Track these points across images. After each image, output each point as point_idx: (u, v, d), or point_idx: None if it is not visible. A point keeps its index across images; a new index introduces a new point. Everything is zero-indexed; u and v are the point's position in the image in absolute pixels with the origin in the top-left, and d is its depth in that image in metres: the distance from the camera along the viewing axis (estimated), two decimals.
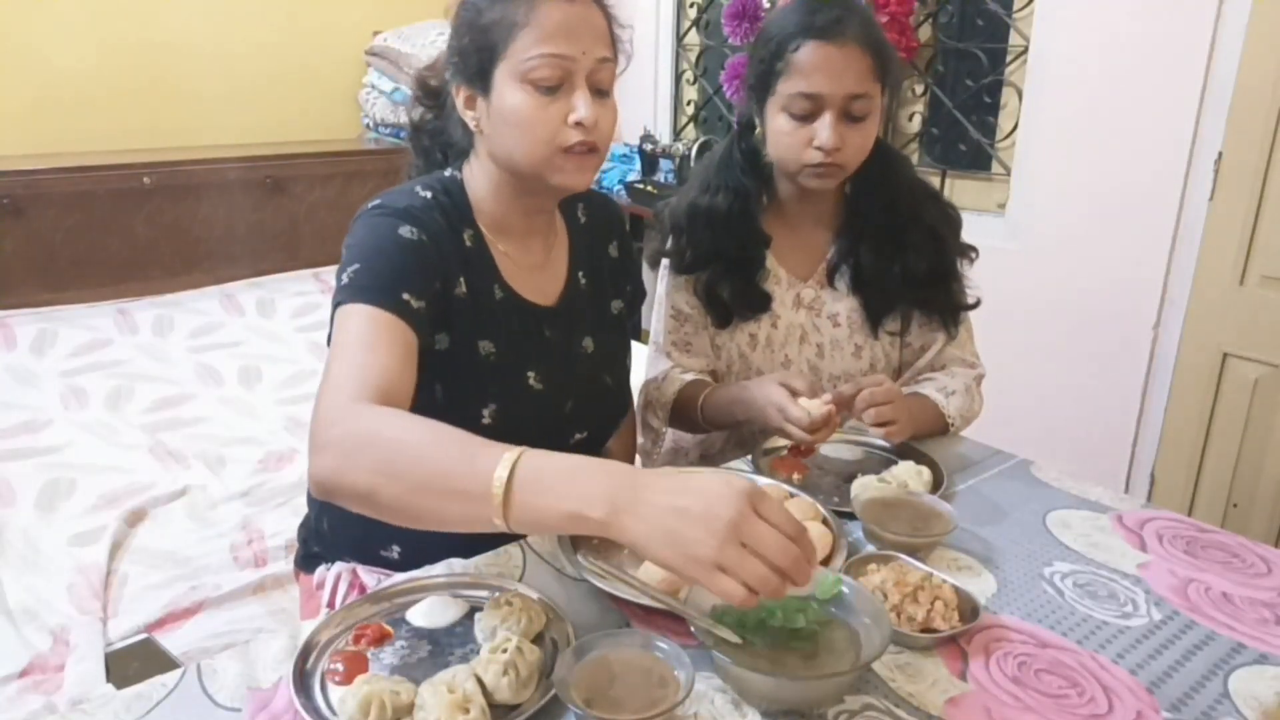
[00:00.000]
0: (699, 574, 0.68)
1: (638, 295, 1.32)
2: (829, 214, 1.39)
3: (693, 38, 3.50)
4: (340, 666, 0.78)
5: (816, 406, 1.15)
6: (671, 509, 0.69)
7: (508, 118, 1.00)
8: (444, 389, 1.04)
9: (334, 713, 0.72)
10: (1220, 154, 2.04)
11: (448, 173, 1.11)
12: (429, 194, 1.06)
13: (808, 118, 1.22)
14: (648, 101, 3.67)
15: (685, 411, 1.33)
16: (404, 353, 0.92)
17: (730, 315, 1.37)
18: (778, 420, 1.17)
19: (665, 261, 1.41)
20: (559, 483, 0.73)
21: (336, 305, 0.96)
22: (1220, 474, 2.16)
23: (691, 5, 3.44)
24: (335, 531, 1.18)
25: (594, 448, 1.24)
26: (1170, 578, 0.98)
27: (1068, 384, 2.40)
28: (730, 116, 3.34)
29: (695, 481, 0.71)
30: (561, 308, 1.16)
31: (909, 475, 1.13)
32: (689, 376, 1.37)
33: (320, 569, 1.16)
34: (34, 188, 2.86)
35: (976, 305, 1.39)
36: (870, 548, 1.01)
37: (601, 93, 1.02)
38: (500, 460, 0.74)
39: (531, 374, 1.10)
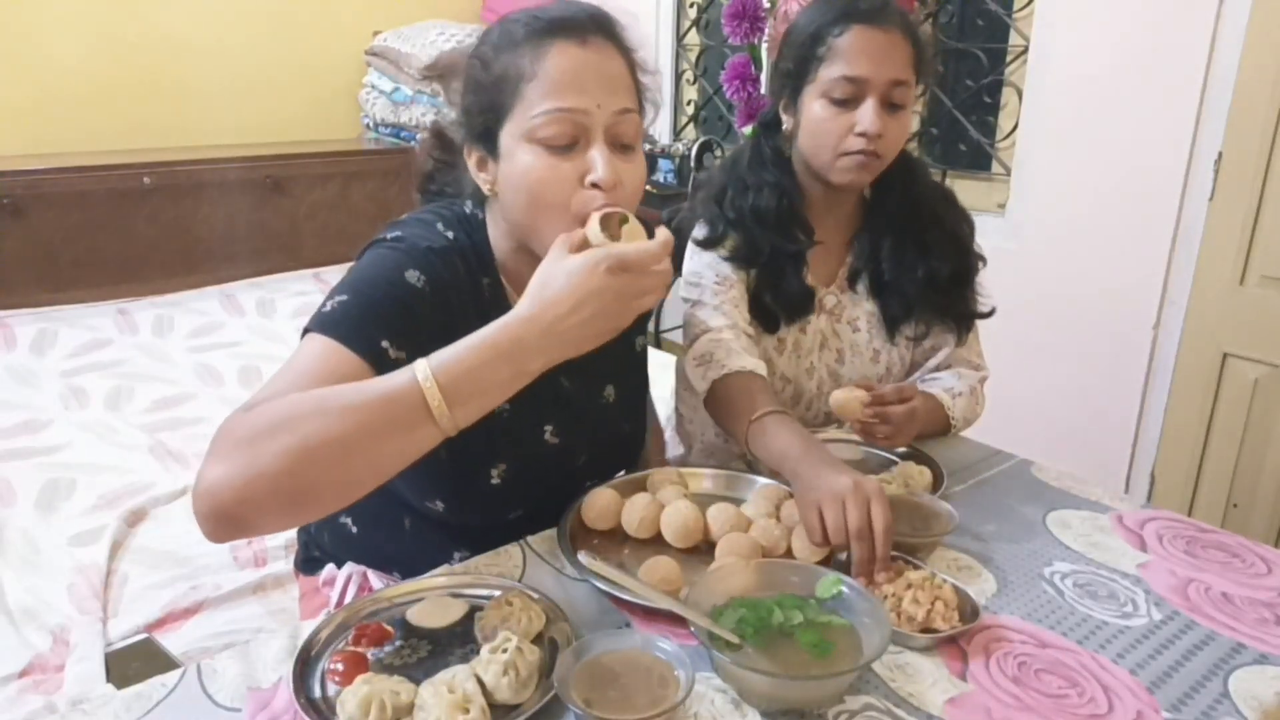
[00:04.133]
0: (621, 328, 0.80)
1: (657, 314, 1.25)
2: (850, 218, 1.37)
3: (693, 38, 3.50)
4: (340, 666, 0.78)
5: (851, 393, 1.14)
6: (583, 320, 0.77)
7: (517, 182, 0.90)
8: (449, 451, 0.94)
9: (334, 713, 0.72)
10: (1220, 154, 2.04)
11: (469, 208, 1.03)
12: (451, 234, 0.98)
13: (848, 103, 1.20)
14: None
15: (731, 408, 1.16)
16: None
17: (778, 321, 1.33)
18: (811, 517, 0.93)
19: (690, 247, 1.36)
20: (483, 364, 0.76)
21: (305, 331, 0.87)
22: (1220, 474, 2.16)
23: (691, 5, 3.44)
24: (337, 547, 1.17)
25: None
26: (1170, 578, 0.98)
27: (1068, 384, 2.40)
28: (730, 117, 3.34)
29: (570, 291, 0.77)
30: (581, 356, 1.10)
31: (909, 475, 1.13)
32: (741, 363, 1.19)
33: (329, 568, 1.15)
34: (34, 188, 2.86)
35: (991, 314, 1.38)
36: None
37: (625, 147, 0.91)
38: (412, 370, 0.75)
39: (549, 428, 1.05)
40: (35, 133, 3.07)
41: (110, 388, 2.41)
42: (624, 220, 0.86)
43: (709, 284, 1.31)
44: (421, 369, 0.75)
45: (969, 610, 0.86)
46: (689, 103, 3.59)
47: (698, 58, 3.50)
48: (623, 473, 1.17)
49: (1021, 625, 0.89)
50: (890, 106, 1.20)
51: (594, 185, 0.88)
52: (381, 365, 0.84)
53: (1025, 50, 2.40)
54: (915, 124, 2.76)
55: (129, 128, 3.23)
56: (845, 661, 0.77)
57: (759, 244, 1.29)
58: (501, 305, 1.00)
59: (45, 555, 1.70)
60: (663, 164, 3.31)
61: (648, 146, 3.31)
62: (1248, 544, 1.05)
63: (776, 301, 1.32)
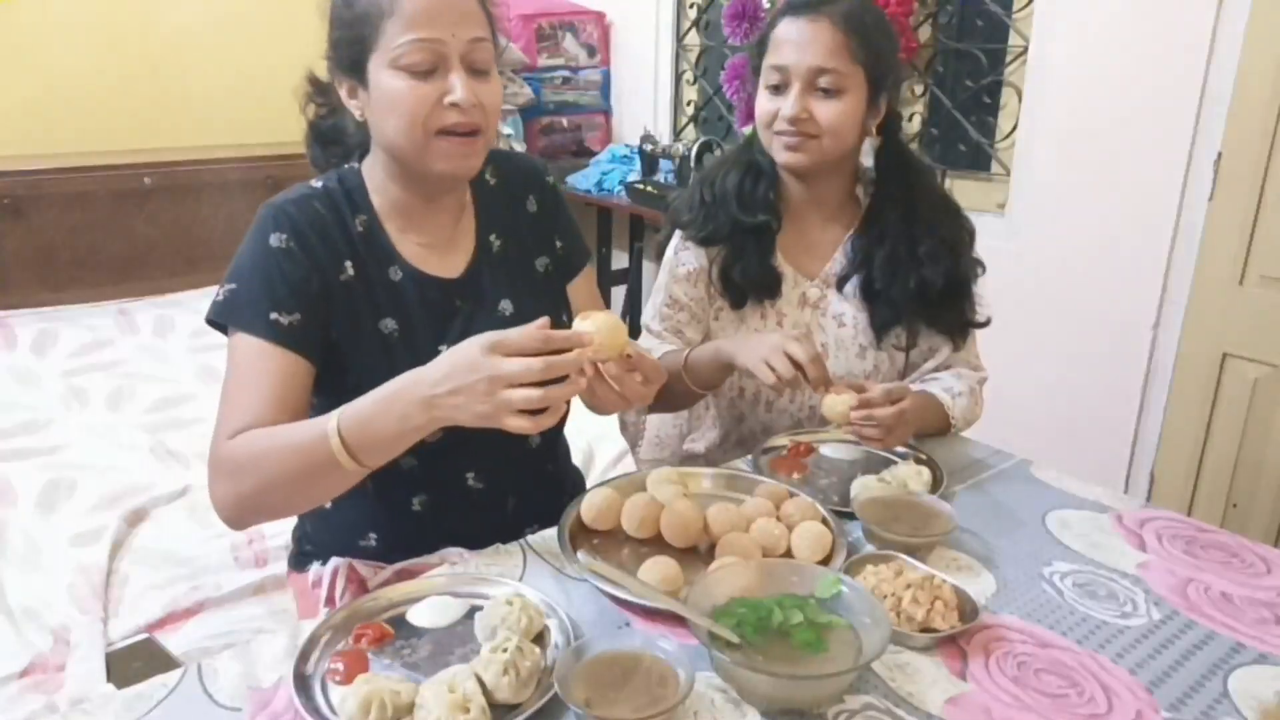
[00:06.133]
0: (496, 424, 0.86)
1: (572, 252, 1.25)
2: (837, 214, 1.39)
3: (693, 38, 3.50)
4: (340, 666, 0.79)
5: (839, 397, 1.16)
6: (448, 392, 0.86)
7: (385, 104, 1.00)
8: (354, 374, 1.04)
9: (334, 713, 0.73)
10: (1220, 154, 2.04)
11: (347, 165, 1.12)
12: (319, 184, 1.08)
13: (779, 90, 1.26)
14: (648, 102, 3.67)
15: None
16: (279, 379, 0.98)
17: (745, 296, 1.37)
18: (772, 348, 1.14)
19: (670, 251, 1.41)
20: (377, 418, 0.90)
21: (212, 321, 1.03)
22: (1220, 474, 2.16)
23: (691, 5, 3.44)
24: (317, 529, 1.20)
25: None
26: (1170, 577, 0.98)
27: (1068, 384, 2.40)
28: (730, 117, 3.34)
29: (450, 358, 0.87)
30: (470, 276, 1.13)
31: (909, 475, 1.14)
32: (668, 348, 1.36)
33: (314, 566, 1.16)
34: (34, 188, 2.86)
35: (987, 324, 1.38)
36: (870, 548, 1.01)
37: (480, 72, 1.01)
38: (325, 425, 0.90)
39: (443, 347, 1.07)
40: (35, 133, 3.06)
41: (111, 388, 2.41)
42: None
43: (658, 306, 1.41)
44: (332, 423, 0.90)
45: (968, 610, 0.86)
46: (689, 103, 3.59)
47: (698, 58, 3.50)
48: (622, 475, 1.18)
49: (1021, 625, 0.89)
50: (822, 92, 1.24)
51: (452, 105, 0.99)
52: (282, 336, 0.99)
53: (1025, 50, 2.40)
54: (915, 124, 2.76)
55: (129, 128, 3.23)
56: (845, 661, 0.77)
57: (720, 221, 1.36)
58: (377, 239, 1.09)
59: (46, 555, 1.71)
60: (663, 164, 3.31)
61: (649, 146, 3.32)
62: (1247, 544, 1.05)
63: (742, 278, 1.36)
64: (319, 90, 1.15)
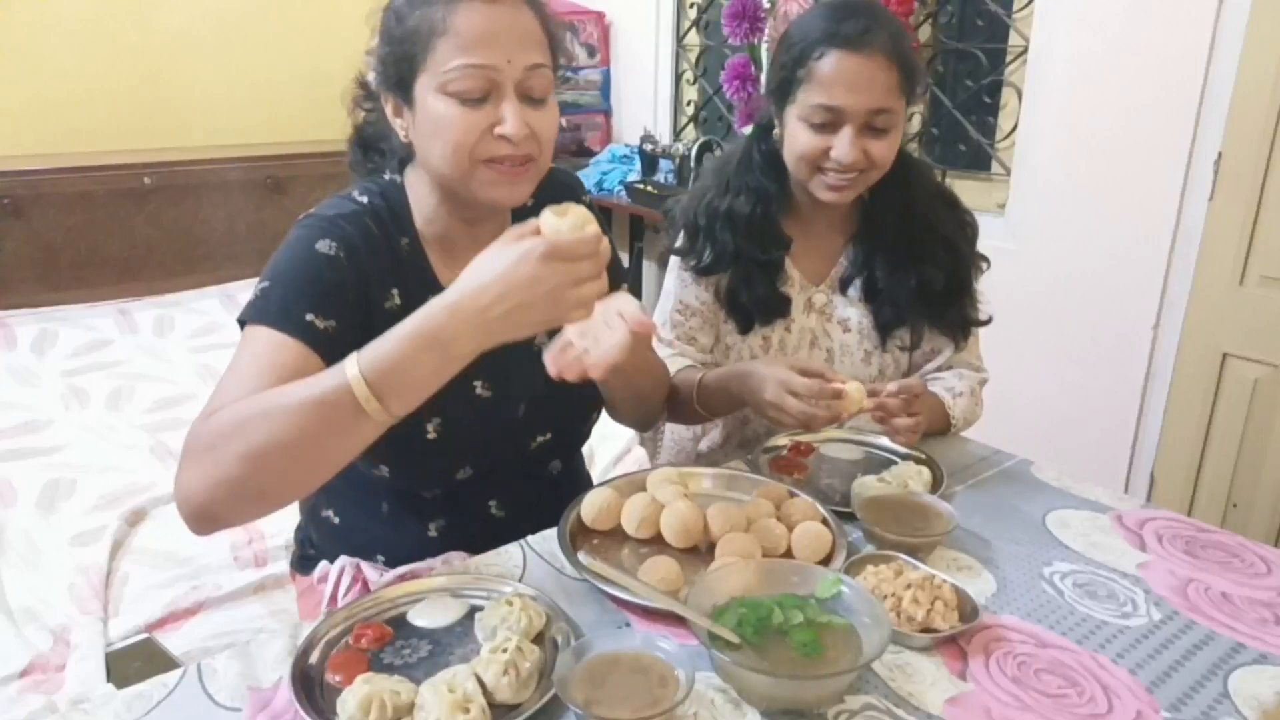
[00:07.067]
0: (559, 323, 0.82)
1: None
2: (844, 218, 1.38)
3: (693, 38, 3.50)
4: (340, 666, 0.79)
5: (855, 387, 1.14)
6: (512, 308, 0.78)
7: (430, 130, 0.94)
8: None
9: (334, 713, 0.72)
10: (1220, 154, 2.04)
11: (388, 176, 1.07)
12: (365, 199, 1.02)
13: (826, 128, 1.19)
14: (648, 102, 3.67)
15: (679, 395, 1.29)
16: (291, 375, 0.87)
17: (752, 321, 1.35)
18: (775, 394, 1.13)
19: (674, 257, 1.40)
20: (413, 356, 0.78)
21: (241, 322, 0.94)
22: (1220, 474, 2.16)
23: (691, 5, 3.44)
24: (323, 538, 1.18)
25: (561, 450, 1.19)
26: (1170, 577, 0.98)
27: (1068, 384, 2.40)
28: (730, 117, 3.34)
29: (498, 276, 0.78)
30: None
31: (909, 475, 1.14)
32: (685, 361, 1.35)
33: (322, 564, 1.16)
34: (34, 188, 2.86)
35: (988, 322, 1.38)
36: (870, 548, 1.01)
37: (536, 100, 0.96)
38: (343, 368, 0.78)
39: (478, 383, 1.05)
40: (35, 133, 3.07)
41: (111, 388, 2.42)
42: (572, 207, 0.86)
43: (669, 313, 1.38)
44: (351, 367, 0.78)
45: (969, 610, 0.86)
46: (689, 103, 3.59)
47: (698, 58, 3.50)
48: (618, 472, 1.18)
49: (1021, 625, 0.89)
50: (873, 130, 1.19)
51: (501, 137, 0.93)
52: (313, 338, 0.90)
53: (1025, 50, 2.40)
54: (915, 124, 2.76)
55: (129, 128, 3.23)
56: (845, 661, 0.77)
57: (726, 249, 1.32)
58: (420, 264, 1.04)
59: (46, 555, 1.71)
60: (663, 164, 3.31)
61: (649, 146, 3.32)
62: (1247, 544, 1.05)
63: (750, 303, 1.34)
64: (368, 95, 1.09)
